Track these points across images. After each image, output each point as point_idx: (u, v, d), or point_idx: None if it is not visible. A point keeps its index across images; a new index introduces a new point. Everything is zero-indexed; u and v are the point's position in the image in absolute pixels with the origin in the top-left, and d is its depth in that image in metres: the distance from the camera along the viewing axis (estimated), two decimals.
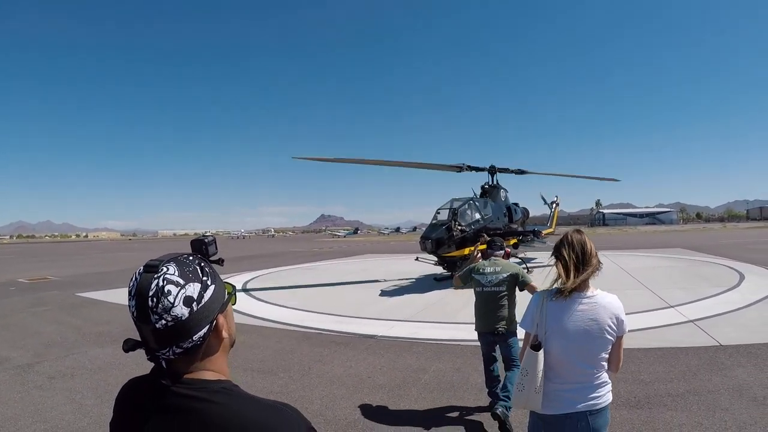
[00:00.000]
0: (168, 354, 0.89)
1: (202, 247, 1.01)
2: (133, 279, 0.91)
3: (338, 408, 4.40)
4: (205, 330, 0.91)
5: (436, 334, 7.14)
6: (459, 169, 15.21)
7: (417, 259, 14.66)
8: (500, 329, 4.10)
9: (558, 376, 2.08)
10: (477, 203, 14.21)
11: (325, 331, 7.63)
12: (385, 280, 14.18)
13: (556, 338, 2.06)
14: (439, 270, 13.93)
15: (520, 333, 2.50)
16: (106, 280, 16.11)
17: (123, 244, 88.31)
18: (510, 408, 3.76)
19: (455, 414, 4.21)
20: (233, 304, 1.03)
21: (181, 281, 0.89)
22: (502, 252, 4.46)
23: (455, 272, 4.63)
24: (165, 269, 0.89)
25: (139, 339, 0.91)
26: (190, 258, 0.96)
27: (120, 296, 11.59)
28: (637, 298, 9.28)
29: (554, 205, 23.71)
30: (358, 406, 4.41)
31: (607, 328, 2.04)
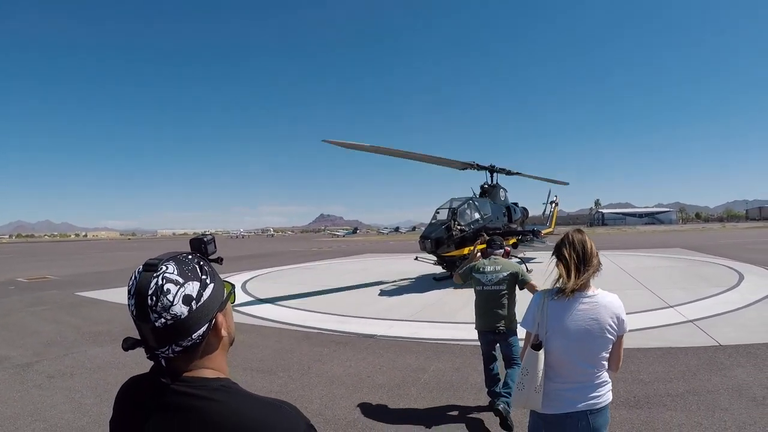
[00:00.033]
0: (167, 352, 0.89)
1: (201, 245, 1.02)
2: (133, 278, 0.91)
3: (338, 407, 4.40)
4: (204, 328, 0.91)
5: (435, 334, 7.14)
6: (469, 166, 15.34)
7: (416, 258, 14.66)
8: (501, 328, 4.10)
9: (559, 376, 2.08)
10: (476, 203, 14.21)
11: (324, 331, 7.63)
12: (384, 280, 14.18)
13: (557, 338, 2.06)
14: (439, 270, 13.93)
15: (520, 331, 2.50)
16: (106, 280, 16.09)
17: (122, 243, 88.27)
18: (511, 405, 3.77)
19: (455, 413, 4.21)
20: (232, 303, 1.03)
21: (181, 280, 0.89)
22: (502, 251, 4.47)
23: (455, 271, 4.64)
24: (164, 268, 0.90)
25: (139, 337, 0.91)
26: (189, 257, 0.97)
27: (119, 296, 11.59)
28: (637, 298, 9.28)
29: (553, 205, 23.75)
30: (358, 406, 4.41)
31: (608, 327, 2.04)
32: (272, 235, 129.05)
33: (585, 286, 2.08)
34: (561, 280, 2.09)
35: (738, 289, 10.06)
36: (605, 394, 2.09)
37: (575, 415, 2.03)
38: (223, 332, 0.97)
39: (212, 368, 0.95)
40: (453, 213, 13.12)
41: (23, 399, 4.81)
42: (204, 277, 0.94)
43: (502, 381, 4.10)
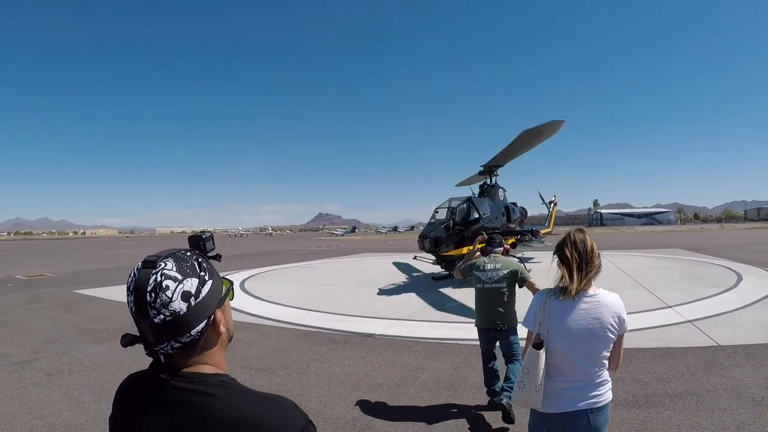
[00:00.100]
0: (166, 348, 0.90)
1: (199, 243, 1.03)
2: (132, 274, 0.91)
3: (336, 406, 4.39)
4: (203, 325, 0.92)
5: (434, 333, 7.14)
6: (485, 174, 16.06)
7: (415, 257, 14.66)
8: (501, 325, 4.11)
9: (560, 375, 2.08)
10: (475, 202, 14.23)
11: (323, 330, 7.62)
12: (383, 279, 14.18)
13: (558, 337, 2.06)
14: (437, 269, 13.94)
15: (520, 330, 2.50)
16: (104, 277, 16.08)
17: (120, 241, 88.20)
18: (511, 403, 3.77)
19: (454, 412, 4.21)
20: (231, 300, 1.04)
21: (179, 276, 0.90)
22: (501, 249, 4.47)
23: (456, 267, 4.65)
24: (163, 265, 0.90)
25: (137, 334, 0.91)
26: (188, 254, 0.97)
27: (117, 293, 11.58)
28: (635, 298, 9.29)
29: (552, 205, 23.77)
30: (357, 405, 4.41)
31: (610, 326, 2.04)
32: (270, 234, 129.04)
33: (587, 286, 2.08)
34: (563, 280, 2.09)
35: (736, 290, 10.08)
36: (606, 393, 2.09)
37: (576, 413, 2.03)
38: (222, 328, 0.97)
39: (211, 364, 0.95)
40: (452, 212, 13.12)
41: (21, 397, 4.79)
42: (202, 273, 0.94)
43: (503, 376, 4.12)
